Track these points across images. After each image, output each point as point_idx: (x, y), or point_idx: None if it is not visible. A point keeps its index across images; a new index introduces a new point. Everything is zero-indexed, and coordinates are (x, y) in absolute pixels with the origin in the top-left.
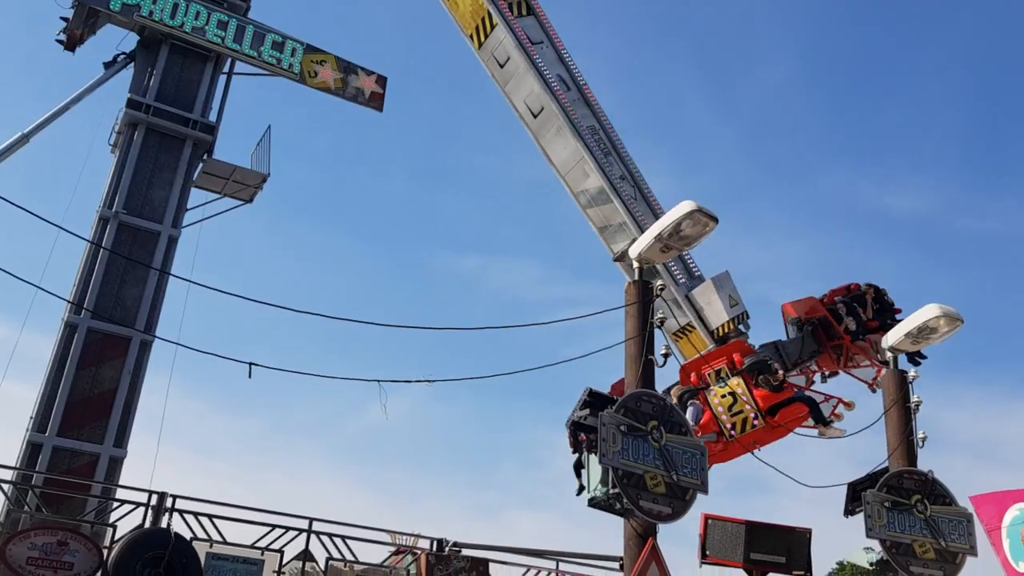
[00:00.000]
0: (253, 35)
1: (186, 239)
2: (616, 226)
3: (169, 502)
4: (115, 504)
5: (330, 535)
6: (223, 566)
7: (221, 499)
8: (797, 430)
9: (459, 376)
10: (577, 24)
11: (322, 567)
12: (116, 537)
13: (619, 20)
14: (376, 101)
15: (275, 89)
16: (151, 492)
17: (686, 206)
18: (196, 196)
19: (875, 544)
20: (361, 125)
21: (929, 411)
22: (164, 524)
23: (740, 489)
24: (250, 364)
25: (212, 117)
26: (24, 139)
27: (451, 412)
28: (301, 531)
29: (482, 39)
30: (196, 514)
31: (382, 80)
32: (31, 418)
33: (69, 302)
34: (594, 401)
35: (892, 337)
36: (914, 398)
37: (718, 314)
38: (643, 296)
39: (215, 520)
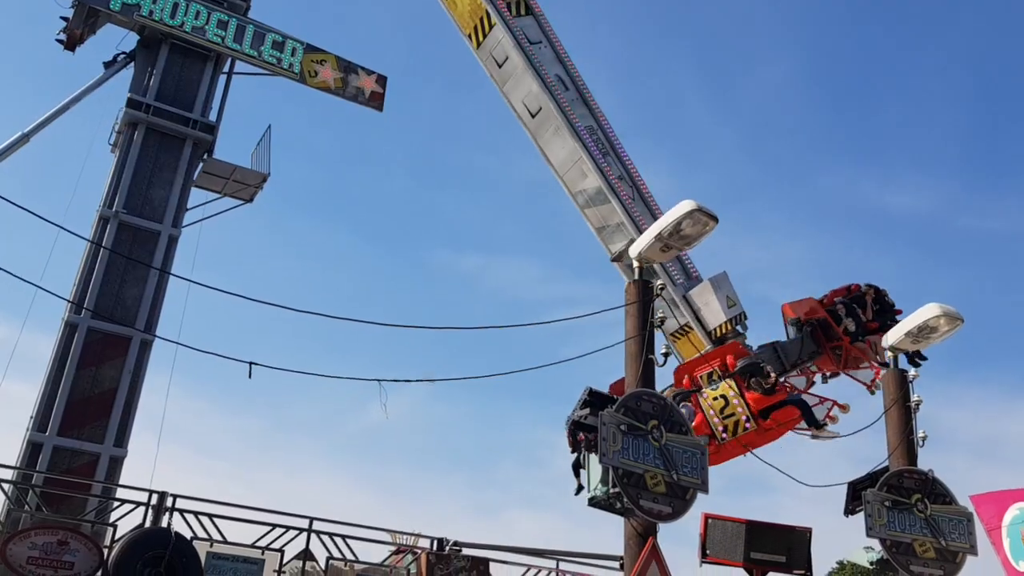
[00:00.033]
0: (253, 35)
1: (186, 239)
2: (614, 226)
3: (169, 501)
4: (115, 504)
5: (330, 534)
6: (223, 565)
7: (221, 498)
8: (793, 430)
9: (459, 375)
10: (577, 24)
11: (322, 566)
12: (116, 536)
13: (619, 20)
14: (376, 101)
15: (275, 89)
16: (151, 491)
17: (686, 205)
18: (196, 196)
19: (875, 543)
20: (361, 125)
21: (929, 410)
22: (164, 523)
23: (740, 488)
24: (250, 363)
25: (212, 117)
26: (24, 139)
27: (451, 411)
28: (301, 530)
29: (480, 39)
30: (196, 513)
31: (382, 80)
32: (31, 418)
33: (69, 302)
34: (594, 400)
35: (892, 336)
36: (914, 397)
37: (715, 315)
38: (643, 295)
39: (215, 519)
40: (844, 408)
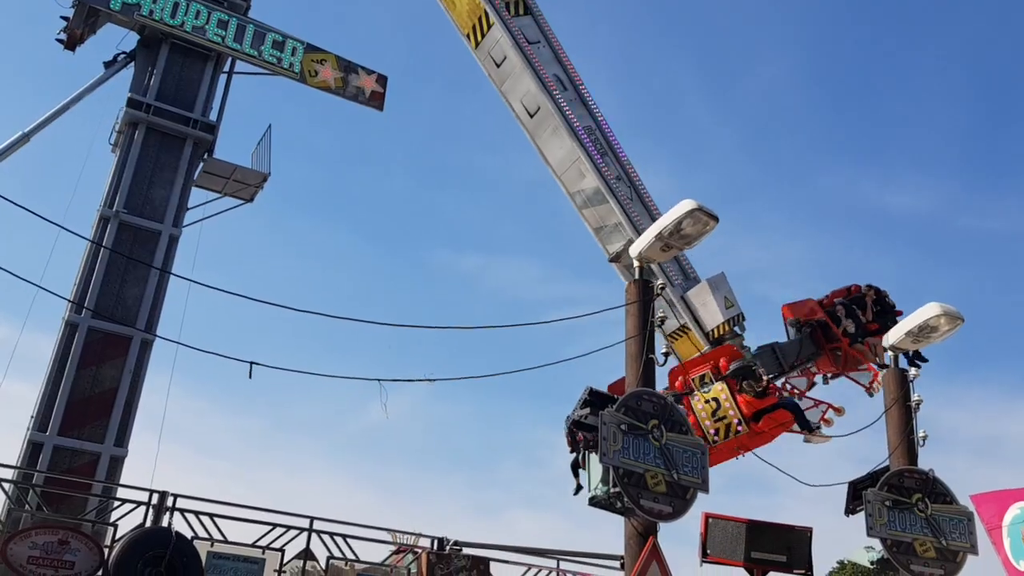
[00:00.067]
0: (253, 34)
1: (187, 238)
2: (612, 227)
3: (170, 501)
4: (116, 503)
5: (331, 534)
6: (224, 565)
7: (222, 498)
8: (786, 432)
9: (459, 375)
10: (576, 24)
11: (323, 566)
12: (117, 536)
13: (619, 20)
14: (376, 100)
15: (275, 88)
16: (152, 491)
17: (687, 205)
18: (197, 195)
19: (876, 543)
20: (361, 124)
21: (930, 410)
22: (165, 523)
23: (741, 488)
24: (251, 363)
25: (212, 116)
26: (25, 138)
27: (451, 411)
28: (302, 530)
29: (479, 38)
30: (197, 513)
31: (382, 79)
32: (32, 417)
33: (70, 301)
34: (595, 400)
35: (893, 336)
36: (915, 397)
37: (713, 316)
38: (643, 295)
39: (216, 519)
40: (839, 411)
